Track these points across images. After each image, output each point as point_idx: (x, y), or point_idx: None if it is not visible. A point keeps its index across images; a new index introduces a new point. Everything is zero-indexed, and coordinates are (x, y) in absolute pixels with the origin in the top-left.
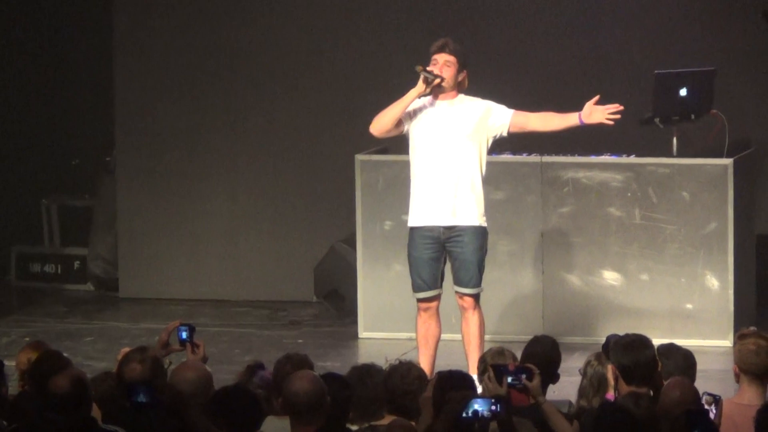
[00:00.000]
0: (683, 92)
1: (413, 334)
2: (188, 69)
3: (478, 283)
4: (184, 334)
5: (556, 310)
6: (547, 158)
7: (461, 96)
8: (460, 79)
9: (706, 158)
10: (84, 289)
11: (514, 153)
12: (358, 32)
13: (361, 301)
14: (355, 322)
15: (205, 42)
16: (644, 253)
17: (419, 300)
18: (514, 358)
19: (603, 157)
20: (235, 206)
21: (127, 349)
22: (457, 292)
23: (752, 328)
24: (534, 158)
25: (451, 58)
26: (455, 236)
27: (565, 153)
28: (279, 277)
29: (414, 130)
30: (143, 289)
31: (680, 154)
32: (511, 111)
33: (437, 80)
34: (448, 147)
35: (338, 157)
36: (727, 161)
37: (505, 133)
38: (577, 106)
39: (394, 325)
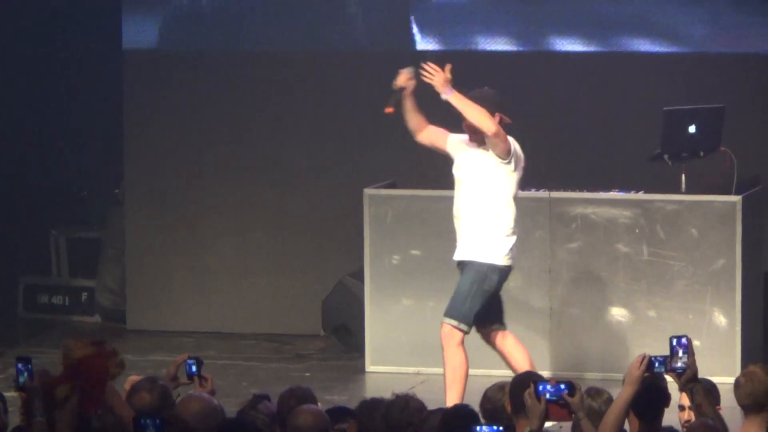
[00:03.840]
0: (692, 129)
1: (421, 368)
2: (196, 103)
3: (451, 313)
4: (193, 368)
5: (564, 346)
6: (555, 194)
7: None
8: None
9: (715, 195)
10: (92, 321)
11: (522, 188)
12: (367, 66)
13: (369, 335)
14: (362, 356)
15: (214, 75)
16: (652, 289)
17: None
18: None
19: (611, 193)
20: (244, 239)
21: (135, 378)
22: None
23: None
24: (542, 194)
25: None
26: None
27: (573, 189)
28: (286, 310)
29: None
30: (151, 322)
31: (689, 191)
32: None
33: (398, 95)
34: (461, 186)
35: (347, 190)
36: (736, 198)
37: (499, 158)
38: (584, 139)
39: (402, 359)
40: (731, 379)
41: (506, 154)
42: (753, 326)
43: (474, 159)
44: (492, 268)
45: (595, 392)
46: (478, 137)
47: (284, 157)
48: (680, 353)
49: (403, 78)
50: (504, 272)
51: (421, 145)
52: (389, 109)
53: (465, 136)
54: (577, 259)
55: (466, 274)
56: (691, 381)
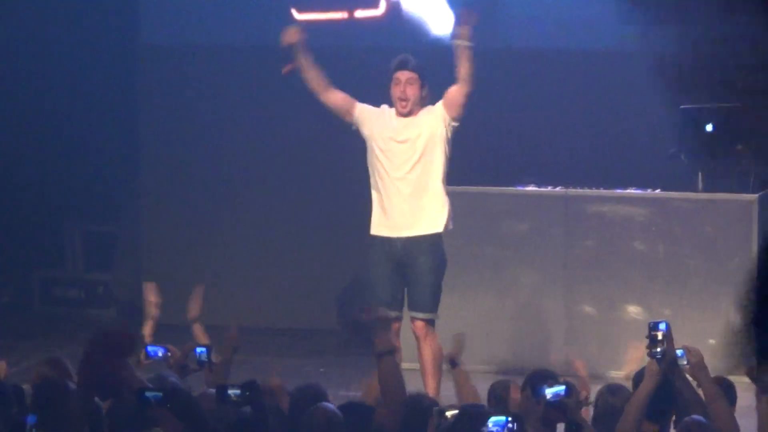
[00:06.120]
0: (709, 128)
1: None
2: (213, 96)
3: (428, 308)
4: (203, 356)
5: (579, 343)
6: (572, 191)
7: (424, 110)
8: (423, 95)
9: (731, 194)
10: (107, 314)
11: (538, 185)
12: (374, 65)
13: None
14: None
15: (233, 68)
16: (667, 287)
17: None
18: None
19: (628, 191)
20: (259, 234)
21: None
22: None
23: None
24: (559, 191)
25: (413, 75)
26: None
27: (590, 186)
28: (302, 305)
29: (375, 143)
30: (166, 315)
31: (705, 189)
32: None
33: (291, 53)
34: (405, 157)
35: (364, 185)
36: (752, 197)
37: (453, 121)
38: (601, 137)
39: (416, 354)
40: (746, 379)
41: (462, 114)
42: None
43: (419, 127)
44: (441, 237)
45: (615, 389)
46: (412, 107)
47: (303, 151)
48: (659, 337)
49: (290, 35)
50: None
51: (325, 106)
52: (286, 69)
53: (384, 108)
54: (593, 257)
55: (425, 258)
56: (670, 366)
